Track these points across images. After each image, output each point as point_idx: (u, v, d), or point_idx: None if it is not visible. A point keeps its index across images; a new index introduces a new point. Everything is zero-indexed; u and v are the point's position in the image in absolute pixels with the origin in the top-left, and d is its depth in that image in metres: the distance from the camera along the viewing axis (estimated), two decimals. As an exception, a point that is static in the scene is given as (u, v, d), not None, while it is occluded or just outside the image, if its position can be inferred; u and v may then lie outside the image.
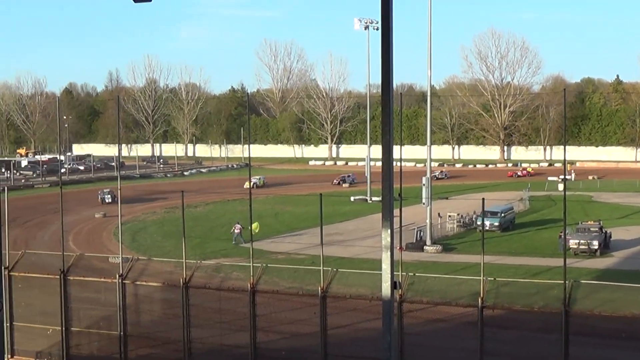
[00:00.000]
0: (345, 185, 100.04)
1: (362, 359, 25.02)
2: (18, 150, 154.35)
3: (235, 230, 55.29)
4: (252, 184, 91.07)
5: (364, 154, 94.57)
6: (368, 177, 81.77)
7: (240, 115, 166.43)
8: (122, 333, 27.33)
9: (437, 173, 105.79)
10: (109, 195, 77.26)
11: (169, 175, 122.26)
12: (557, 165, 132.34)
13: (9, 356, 27.74)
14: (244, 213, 56.85)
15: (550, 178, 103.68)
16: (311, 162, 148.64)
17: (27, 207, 66.36)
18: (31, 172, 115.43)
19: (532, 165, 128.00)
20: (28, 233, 58.81)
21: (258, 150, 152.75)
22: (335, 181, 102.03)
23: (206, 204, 79.30)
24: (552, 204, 74.31)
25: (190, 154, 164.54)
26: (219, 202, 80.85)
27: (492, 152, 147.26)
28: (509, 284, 28.58)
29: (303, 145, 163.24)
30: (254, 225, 47.11)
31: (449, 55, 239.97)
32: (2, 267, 24.05)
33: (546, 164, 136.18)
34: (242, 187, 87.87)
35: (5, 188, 31.84)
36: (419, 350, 24.56)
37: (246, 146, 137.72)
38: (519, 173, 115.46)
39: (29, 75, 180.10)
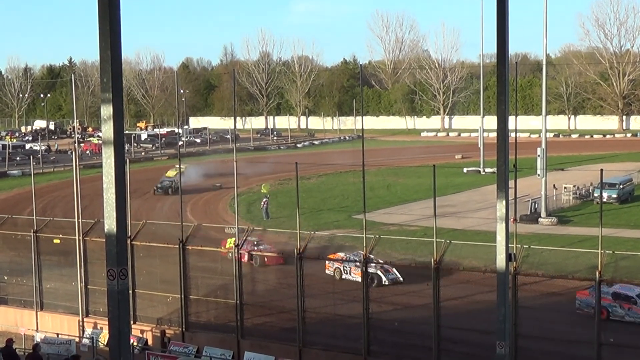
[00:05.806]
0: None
1: (475, 331, 24.95)
2: (138, 124, 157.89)
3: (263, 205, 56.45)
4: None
5: (476, 125, 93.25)
6: (481, 148, 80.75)
7: (352, 87, 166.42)
8: (238, 302, 27.97)
9: None
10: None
11: (282, 147, 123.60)
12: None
13: (132, 322, 28.79)
14: (356, 184, 57.12)
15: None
16: (423, 134, 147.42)
17: (147, 179, 68.16)
18: (150, 145, 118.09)
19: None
20: (148, 204, 60.69)
21: (370, 122, 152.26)
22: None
23: (319, 175, 79.89)
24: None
25: (303, 126, 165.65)
26: (332, 174, 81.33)
27: (610, 122, 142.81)
28: (628, 257, 27.94)
29: (415, 117, 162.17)
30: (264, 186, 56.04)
31: (565, 23, 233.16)
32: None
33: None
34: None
35: (127, 160, 32.88)
36: (534, 323, 24.30)
37: (358, 118, 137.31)
38: None
39: (148, 51, 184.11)
